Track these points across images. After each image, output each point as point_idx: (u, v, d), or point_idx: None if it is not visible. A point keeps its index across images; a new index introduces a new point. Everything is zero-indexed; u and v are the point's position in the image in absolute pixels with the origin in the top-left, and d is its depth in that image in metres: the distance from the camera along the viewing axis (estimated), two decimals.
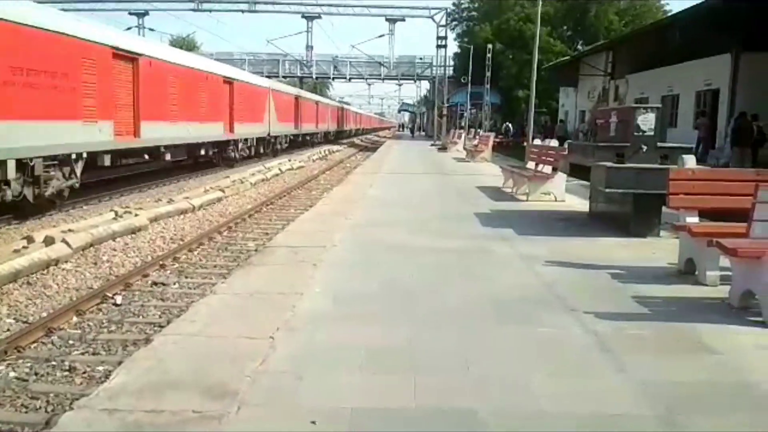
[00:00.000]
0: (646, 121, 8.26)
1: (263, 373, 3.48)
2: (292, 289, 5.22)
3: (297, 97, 34.80)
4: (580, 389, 3.39)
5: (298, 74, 52.73)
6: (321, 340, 4.04)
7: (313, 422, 2.95)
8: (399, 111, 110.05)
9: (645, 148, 8.08)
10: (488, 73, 40.23)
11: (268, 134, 27.42)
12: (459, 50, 53.41)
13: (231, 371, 3.48)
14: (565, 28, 50.04)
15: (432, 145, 38.06)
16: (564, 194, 11.49)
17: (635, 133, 8.19)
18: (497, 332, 4.28)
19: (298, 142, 34.98)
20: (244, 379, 3.38)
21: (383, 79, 56.69)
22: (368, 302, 4.93)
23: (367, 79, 57.65)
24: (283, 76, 49.80)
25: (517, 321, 4.52)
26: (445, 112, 44.28)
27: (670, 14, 38.65)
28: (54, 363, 4.97)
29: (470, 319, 4.55)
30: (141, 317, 6.18)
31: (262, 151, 26.53)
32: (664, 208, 7.24)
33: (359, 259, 6.55)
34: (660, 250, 6.95)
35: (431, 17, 43.90)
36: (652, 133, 8.17)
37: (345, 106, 64.81)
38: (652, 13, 46.71)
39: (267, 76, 38.31)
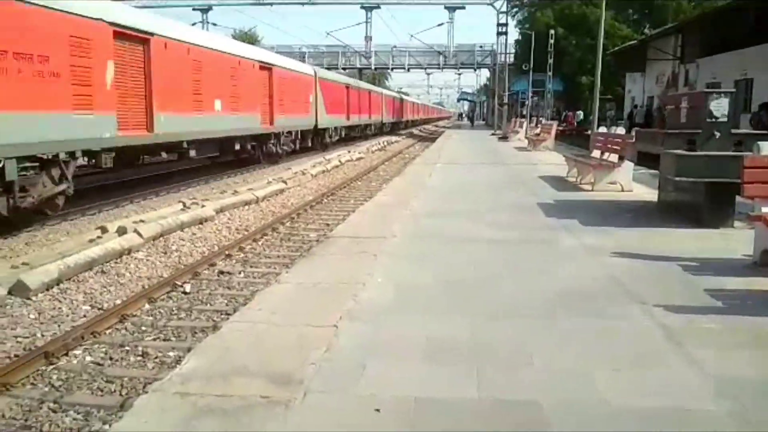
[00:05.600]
0: (719, 107, 7.93)
1: (328, 361, 3.53)
2: (354, 278, 5.27)
3: (394, 98, 54.09)
4: (648, 383, 3.30)
5: (358, 65, 52.92)
6: (383, 330, 4.07)
7: (378, 410, 2.98)
8: (458, 100, 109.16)
9: (718, 134, 7.77)
10: (550, 60, 39.34)
11: (382, 122, 45.05)
12: (520, 37, 52.49)
13: (296, 359, 3.55)
14: (630, 11, 48.40)
15: (492, 134, 37.66)
16: (631, 183, 11.16)
17: (707, 120, 7.88)
18: (562, 325, 4.20)
19: (388, 127, 49.58)
20: (309, 367, 3.44)
21: (442, 68, 56.21)
22: (430, 292, 4.93)
23: (426, 68, 57.36)
24: (343, 68, 50.09)
25: (583, 314, 4.43)
26: (505, 100, 43.65)
27: None
28: (128, 348, 5.17)
29: (534, 311, 4.49)
30: (209, 305, 6.37)
31: (381, 131, 44.61)
32: (738, 198, 6.94)
33: (420, 249, 6.55)
34: (734, 241, 6.68)
35: (491, 4, 43.31)
36: (725, 120, 7.84)
37: (404, 97, 64.80)
38: None
39: (326, 68, 39.10)
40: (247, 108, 17.76)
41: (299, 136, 23.37)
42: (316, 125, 25.61)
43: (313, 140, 26.12)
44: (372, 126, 41.56)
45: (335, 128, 29.72)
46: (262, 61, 19.45)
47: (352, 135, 34.77)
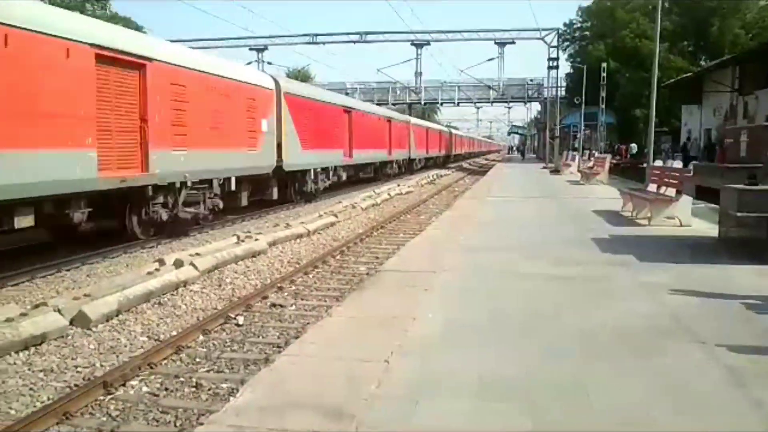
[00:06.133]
0: None
1: (379, 397, 3.52)
2: (405, 313, 5.25)
3: (428, 129, 48.68)
4: (711, 426, 3.17)
5: (407, 101, 53.48)
6: (435, 365, 4.03)
7: None
8: (508, 133, 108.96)
9: None
10: (603, 93, 38.91)
11: (409, 159, 38.34)
12: (571, 70, 52.18)
13: (348, 393, 3.55)
14: (685, 43, 47.59)
15: (544, 167, 37.33)
16: (690, 218, 10.85)
17: None
18: (619, 364, 4.08)
19: (420, 164, 43.48)
20: (361, 402, 3.43)
21: (492, 103, 56.26)
22: (481, 328, 4.87)
23: (475, 102, 57.49)
24: (393, 103, 50.66)
25: (641, 353, 4.29)
26: (557, 133, 43.27)
27: None
28: (182, 379, 5.27)
29: (589, 349, 4.37)
30: (261, 337, 6.44)
31: (409, 169, 38.08)
32: None
33: (471, 284, 6.50)
34: None
35: (542, 39, 43.27)
36: None
37: (453, 131, 64.96)
38: None
39: (377, 104, 39.73)
40: (47, 139, 8.63)
41: (233, 186, 14.08)
42: (278, 166, 16.76)
43: (287, 188, 18.32)
44: (393, 164, 33.47)
45: (324, 169, 20.89)
46: (109, 49, 9.91)
47: (361, 176, 27.12)
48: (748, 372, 3.87)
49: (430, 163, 47.20)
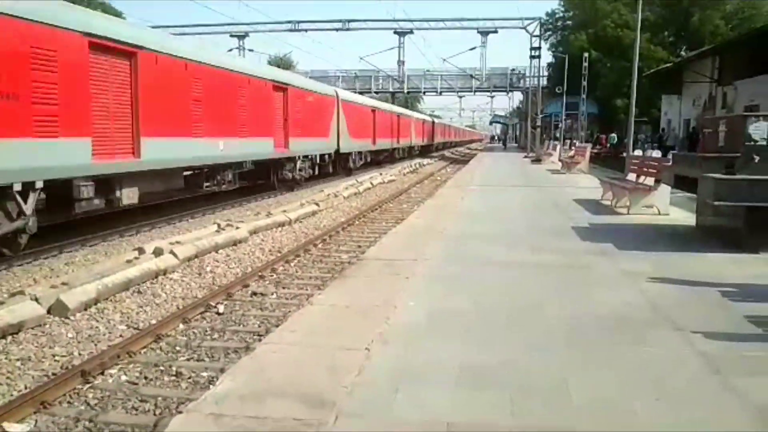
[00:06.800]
0: (758, 130, 7.81)
1: (360, 385, 3.52)
2: (386, 301, 5.26)
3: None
4: (689, 414, 3.22)
5: (391, 89, 53.32)
6: (416, 354, 4.04)
7: None
8: (491, 123, 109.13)
9: (757, 158, 7.61)
10: (584, 83, 39.12)
11: (337, 151, 24.98)
12: (553, 60, 52.35)
13: (328, 381, 3.54)
14: (666, 33, 47.92)
15: (525, 156, 37.49)
16: (668, 207, 10.98)
17: (746, 143, 7.75)
18: (599, 352, 4.12)
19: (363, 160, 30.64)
20: (341, 390, 3.43)
21: (474, 92, 56.27)
22: (463, 317, 4.88)
23: (458, 92, 57.50)
24: (376, 92, 50.48)
25: (620, 341, 4.33)
26: (538, 123, 43.47)
27: None
28: (162, 368, 5.24)
29: (570, 338, 4.41)
30: (242, 326, 6.41)
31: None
32: None
33: (452, 272, 6.51)
34: None
35: (524, 28, 43.32)
36: (765, 143, 7.69)
37: (435, 120, 64.87)
38: (762, 16, 43.82)
39: (360, 92, 39.31)
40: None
41: None
42: None
43: None
44: (296, 163, 19.61)
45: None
46: None
47: (200, 191, 14.50)
48: (723, 359, 3.92)
49: (382, 158, 33.64)
